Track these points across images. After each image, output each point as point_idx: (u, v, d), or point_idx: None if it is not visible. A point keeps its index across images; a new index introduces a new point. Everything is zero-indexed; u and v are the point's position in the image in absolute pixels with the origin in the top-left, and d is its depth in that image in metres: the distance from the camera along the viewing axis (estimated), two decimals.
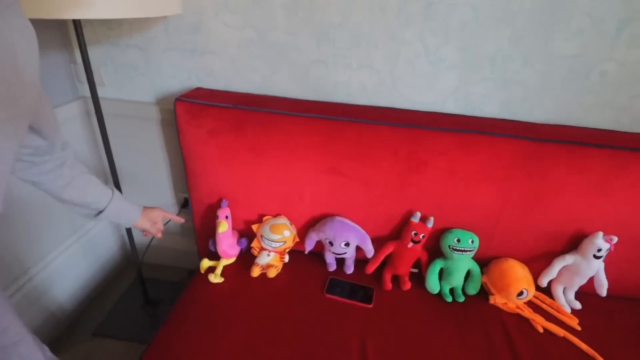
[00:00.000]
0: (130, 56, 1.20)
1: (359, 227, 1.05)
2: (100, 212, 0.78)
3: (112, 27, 1.16)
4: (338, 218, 1.05)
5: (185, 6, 1.07)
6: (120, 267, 1.62)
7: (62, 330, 1.34)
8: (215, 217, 1.08)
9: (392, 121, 0.97)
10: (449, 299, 1.02)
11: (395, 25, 1.00)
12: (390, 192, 1.02)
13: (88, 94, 1.31)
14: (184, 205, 1.44)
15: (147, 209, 0.91)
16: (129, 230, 1.27)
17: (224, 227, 1.06)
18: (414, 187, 1.00)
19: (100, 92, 1.29)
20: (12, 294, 1.14)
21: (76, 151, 1.32)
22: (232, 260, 1.12)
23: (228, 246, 1.09)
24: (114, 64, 1.23)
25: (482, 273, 1.04)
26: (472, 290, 1.03)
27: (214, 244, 1.09)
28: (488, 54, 1.01)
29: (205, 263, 1.10)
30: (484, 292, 1.04)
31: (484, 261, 1.06)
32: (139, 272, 1.36)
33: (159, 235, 0.96)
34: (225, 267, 1.10)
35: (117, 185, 1.14)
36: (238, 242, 1.14)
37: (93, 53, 1.22)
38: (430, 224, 1.01)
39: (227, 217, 1.08)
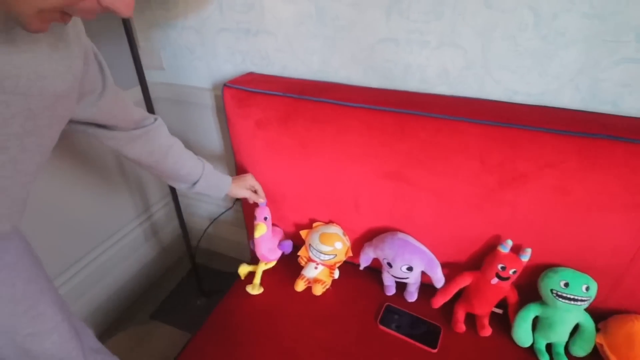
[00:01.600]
0: (187, 38, 1.12)
1: (426, 249, 0.84)
2: (194, 183, 0.81)
3: (169, 7, 1.09)
4: (400, 235, 0.86)
5: None
6: (181, 252, 1.63)
7: (124, 309, 1.38)
8: (253, 217, 0.96)
9: (479, 117, 0.73)
10: (545, 359, 0.76)
11: None
12: (471, 209, 0.78)
13: (151, 78, 1.28)
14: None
15: (238, 178, 0.91)
16: (181, 218, 1.24)
17: (261, 231, 0.93)
18: (506, 207, 0.75)
19: (161, 77, 1.25)
20: (76, 273, 1.17)
21: None
22: (272, 264, 1.01)
23: (268, 250, 0.97)
24: (172, 48, 1.17)
25: (597, 330, 0.76)
26: (581, 351, 0.75)
27: (254, 245, 0.98)
28: (635, 23, 0.70)
29: (244, 269, 0.99)
30: (597, 357, 0.76)
31: (601, 314, 0.77)
32: (193, 260, 1.33)
33: (261, 200, 0.95)
34: (267, 272, 0.98)
35: None
36: (280, 245, 1.01)
37: (154, 36, 1.17)
38: (525, 257, 0.76)
39: (265, 218, 0.95)
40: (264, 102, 0.89)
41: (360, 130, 0.81)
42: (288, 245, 1.02)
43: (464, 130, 0.73)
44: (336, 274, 0.95)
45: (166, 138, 0.75)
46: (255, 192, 0.94)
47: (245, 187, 0.91)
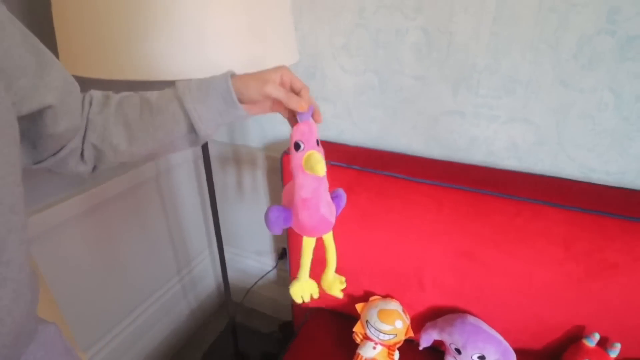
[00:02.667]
0: None
1: (500, 338, 0.78)
2: (195, 133, 0.51)
3: None
4: (471, 319, 0.80)
5: (301, 50, 0.97)
6: (216, 307, 1.59)
7: None
8: (294, 146, 0.51)
9: (562, 201, 0.69)
10: None
11: (570, 67, 0.73)
12: (552, 297, 0.73)
13: None
14: (282, 256, 1.33)
15: (249, 74, 0.51)
16: (225, 274, 1.19)
17: (321, 163, 0.50)
18: (593, 298, 0.70)
19: (214, 136, 1.28)
20: (111, 340, 1.13)
21: (183, 192, 1.32)
22: (330, 236, 0.60)
23: (328, 206, 0.55)
24: None
25: None
26: None
27: (288, 216, 0.55)
28: None
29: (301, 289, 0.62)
30: None
31: None
32: (233, 321, 1.28)
33: (303, 104, 0.50)
34: (316, 349, 0.92)
35: (217, 227, 1.04)
36: (335, 196, 0.60)
37: None
38: (614, 352, 0.69)
39: (318, 142, 0.53)
40: (326, 172, 0.88)
41: (428, 207, 0.78)
42: (343, 197, 0.62)
43: (546, 215, 0.69)
44: (396, 357, 0.88)
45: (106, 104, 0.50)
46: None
47: (271, 81, 0.49)
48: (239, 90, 0.50)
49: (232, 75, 0.51)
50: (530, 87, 0.78)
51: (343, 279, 0.65)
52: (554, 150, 0.81)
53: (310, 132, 0.52)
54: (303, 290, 0.62)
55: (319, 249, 0.60)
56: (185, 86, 0.50)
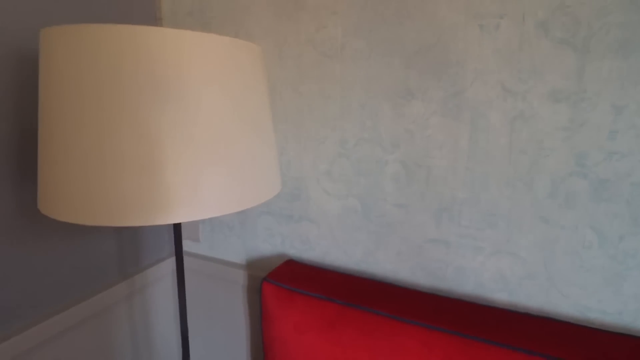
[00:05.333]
0: (228, 216, 1.14)
1: None
2: None
3: None
4: None
5: (285, 173, 0.99)
6: None
7: None
8: None
9: (565, 355, 0.63)
10: None
11: (548, 205, 0.74)
12: None
13: (184, 248, 1.27)
14: None
15: None
16: None
17: None
18: None
19: (195, 248, 1.24)
20: None
21: (159, 310, 1.23)
22: None
23: None
24: (211, 223, 1.18)
25: None
26: None
27: None
28: None
29: None
30: None
31: None
32: None
33: None
34: None
35: (186, 346, 0.93)
36: None
37: None
38: None
39: None
40: (305, 303, 0.82)
41: (418, 352, 0.71)
42: None
43: None
44: None
45: None
46: None
47: None
48: None
49: None
50: (512, 221, 0.77)
51: None
52: (545, 286, 0.77)
53: None
54: None
55: None
56: None
